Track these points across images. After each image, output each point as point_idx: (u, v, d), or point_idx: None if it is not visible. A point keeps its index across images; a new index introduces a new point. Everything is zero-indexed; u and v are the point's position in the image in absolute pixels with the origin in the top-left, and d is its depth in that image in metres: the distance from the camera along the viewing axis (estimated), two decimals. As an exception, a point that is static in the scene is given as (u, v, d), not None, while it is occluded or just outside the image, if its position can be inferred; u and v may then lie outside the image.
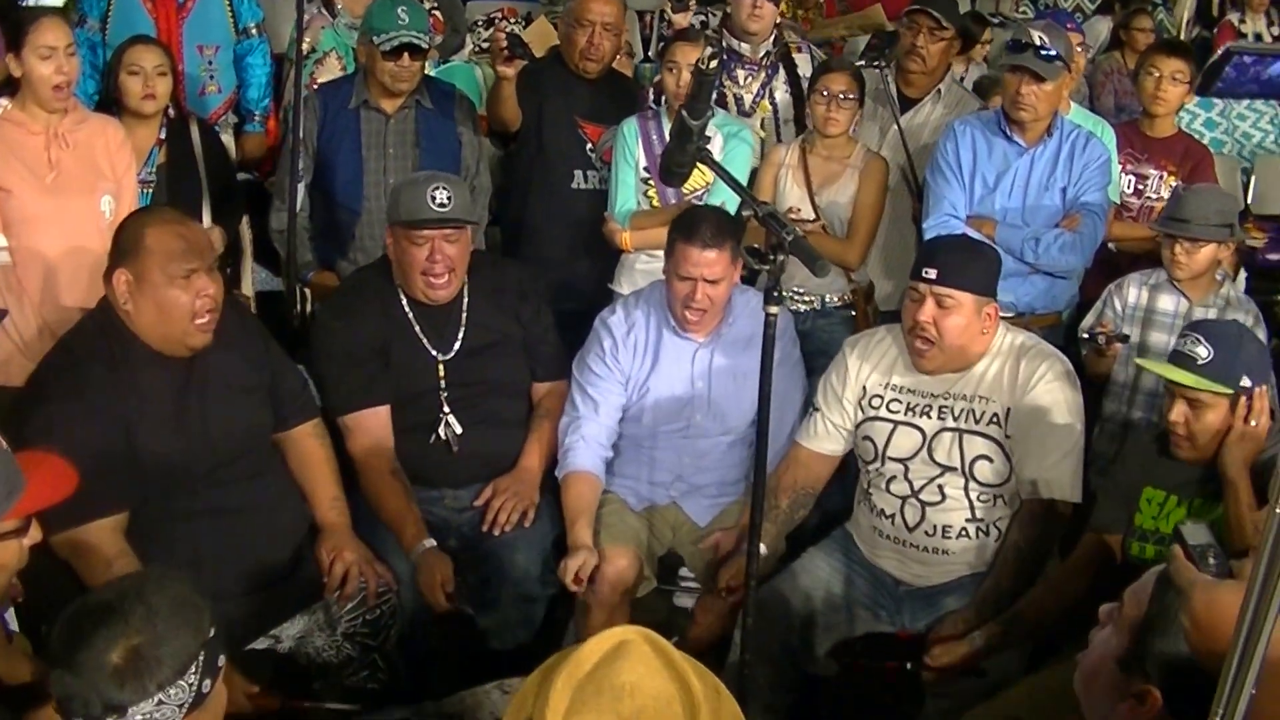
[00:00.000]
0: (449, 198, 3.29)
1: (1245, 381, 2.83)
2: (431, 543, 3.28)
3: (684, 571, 3.69)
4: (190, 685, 1.78)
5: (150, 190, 4.07)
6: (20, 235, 3.53)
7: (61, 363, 2.94)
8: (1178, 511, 2.93)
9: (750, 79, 4.56)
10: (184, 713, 1.78)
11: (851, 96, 4.13)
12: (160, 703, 1.76)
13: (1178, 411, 2.90)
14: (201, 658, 1.80)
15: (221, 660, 1.86)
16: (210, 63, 4.88)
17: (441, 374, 3.47)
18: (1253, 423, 2.81)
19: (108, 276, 2.92)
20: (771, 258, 2.46)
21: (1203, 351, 2.85)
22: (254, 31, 5.00)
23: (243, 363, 3.11)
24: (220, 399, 3.02)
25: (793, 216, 4.05)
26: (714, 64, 2.48)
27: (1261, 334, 3.78)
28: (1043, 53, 3.84)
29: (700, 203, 4.02)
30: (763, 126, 4.57)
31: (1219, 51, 6.02)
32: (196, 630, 1.81)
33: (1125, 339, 3.78)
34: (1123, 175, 4.48)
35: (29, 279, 3.55)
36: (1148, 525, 2.98)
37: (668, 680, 1.52)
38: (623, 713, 1.48)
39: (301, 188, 4.14)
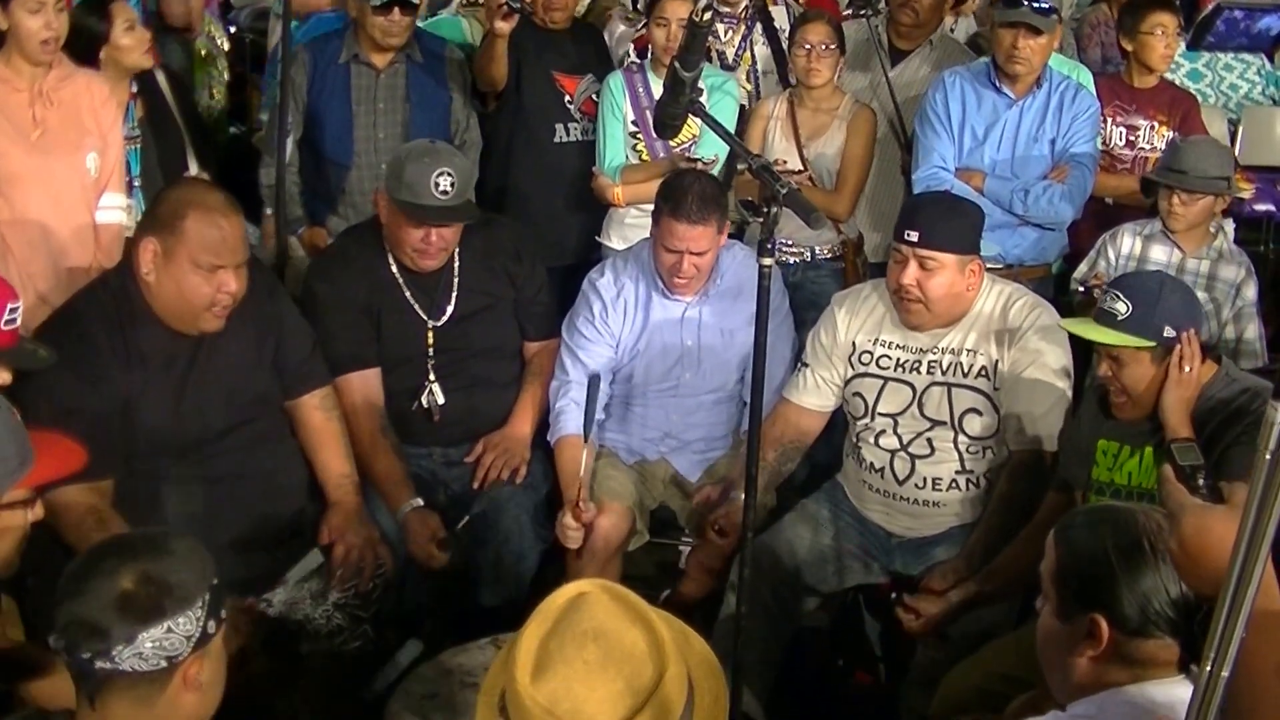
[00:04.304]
0: (453, 184, 3.24)
1: (1169, 332, 2.82)
2: (418, 501, 3.29)
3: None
4: (197, 620, 1.79)
5: (138, 145, 4.00)
6: (5, 194, 3.48)
7: (67, 324, 2.91)
8: (1130, 462, 2.95)
9: (731, 33, 4.54)
10: (190, 646, 1.79)
11: (831, 46, 4.11)
12: (169, 630, 1.77)
13: (1103, 367, 2.91)
14: (207, 597, 1.82)
15: (224, 612, 1.87)
16: None
17: (431, 340, 3.45)
18: (1186, 368, 2.81)
19: (136, 239, 2.88)
20: (765, 210, 2.45)
21: (1121, 307, 2.84)
22: None
23: (252, 332, 3.06)
24: (225, 373, 2.99)
25: (779, 168, 4.04)
26: (707, 16, 2.47)
27: (1252, 286, 3.80)
28: (1037, 6, 3.83)
29: (690, 155, 4.01)
30: (748, 79, 4.54)
31: (1209, 6, 6.00)
32: (203, 572, 1.84)
33: None
34: (1113, 128, 4.47)
35: (13, 237, 3.51)
36: (1104, 478, 2.99)
37: (630, 623, 1.54)
38: (589, 658, 1.49)
39: (290, 142, 4.09)
